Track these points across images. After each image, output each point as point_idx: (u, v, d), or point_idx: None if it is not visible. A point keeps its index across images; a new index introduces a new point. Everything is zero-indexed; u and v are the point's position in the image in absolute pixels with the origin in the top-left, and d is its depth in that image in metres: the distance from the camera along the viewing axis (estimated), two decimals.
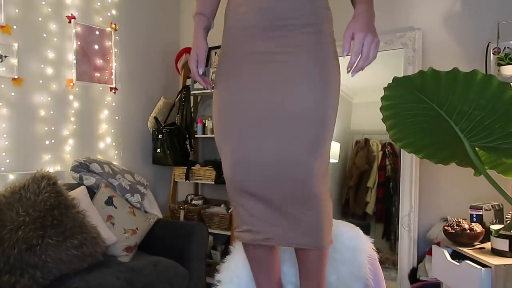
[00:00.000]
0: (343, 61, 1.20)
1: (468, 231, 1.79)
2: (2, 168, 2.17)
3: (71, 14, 2.51)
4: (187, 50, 3.03)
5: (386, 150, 3.39)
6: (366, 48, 1.08)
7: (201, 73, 1.29)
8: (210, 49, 1.38)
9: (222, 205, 2.89)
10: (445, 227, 1.87)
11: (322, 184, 1.18)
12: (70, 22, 2.51)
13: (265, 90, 1.19)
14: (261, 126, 1.18)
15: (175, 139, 2.86)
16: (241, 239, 1.31)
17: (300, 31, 1.18)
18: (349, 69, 1.11)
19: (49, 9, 2.40)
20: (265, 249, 1.32)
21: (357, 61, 1.09)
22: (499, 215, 1.91)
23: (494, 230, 1.69)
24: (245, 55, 1.23)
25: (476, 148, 1.66)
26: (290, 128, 1.16)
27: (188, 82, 3.03)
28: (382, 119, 1.75)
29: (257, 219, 1.24)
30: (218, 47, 1.39)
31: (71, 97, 2.53)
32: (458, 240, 1.80)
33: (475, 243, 1.81)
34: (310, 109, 1.15)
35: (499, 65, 1.97)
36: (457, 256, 1.79)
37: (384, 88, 1.63)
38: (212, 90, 1.34)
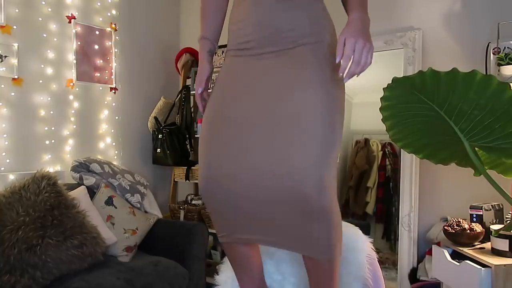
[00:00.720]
0: None
1: (468, 231, 1.78)
2: (2, 168, 2.17)
3: (71, 14, 2.51)
4: (187, 50, 3.03)
5: (386, 150, 3.39)
6: (357, 53, 1.05)
7: (199, 92, 1.33)
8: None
9: None
10: (445, 227, 1.86)
11: (332, 195, 1.10)
12: (70, 22, 2.51)
13: (258, 99, 1.16)
14: (251, 135, 1.14)
15: (175, 139, 2.86)
16: (226, 240, 1.29)
17: (299, 42, 1.17)
18: (341, 74, 1.07)
19: (49, 9, 2.40)
20: (246, 249, 1.30)
21: (348, 66, 1.06)
22: (499, 215, 1.90)
23: (494, 230, 1.69)
24: (242, 67, 1.24)
25: (476, 148, 1.66)
26: (291, 136, 1.09)
27: (188, 82, 3.03)
28: (382, 120, 1.75)
29: (248, 227, 1.21)
30: (221, 46, 1.40)
31: (71, 97, 2.53)
32: (458, 240, 1.80)
33: (475, 243, 1.81)
34: (316, 112, 1.10)
35: (499, 65, 1.96)
36: (457, 256, 1.78)
37: (384, 89, 1.63)
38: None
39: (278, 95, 1.14)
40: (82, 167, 2.35)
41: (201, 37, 1.36)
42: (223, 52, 2.91)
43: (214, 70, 1.39)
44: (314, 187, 1.05)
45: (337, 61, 1.07)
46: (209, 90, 1.36)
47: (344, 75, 1.07)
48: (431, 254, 2.03)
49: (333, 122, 1.13)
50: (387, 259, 2.94)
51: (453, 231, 1.81)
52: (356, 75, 1.08)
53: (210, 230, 2.69)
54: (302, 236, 1.14)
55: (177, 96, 2.97)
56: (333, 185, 1.12)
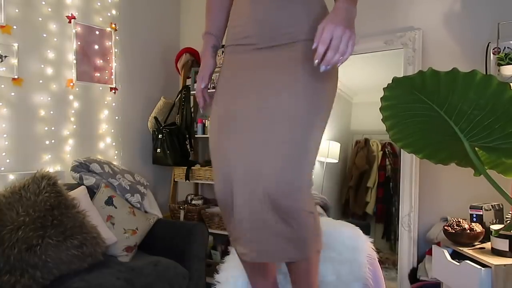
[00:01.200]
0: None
1: (468, 231, 1.78)
2: (2, 168, 2.17)
3: (71, 14, 2.51)
4: (187, 50, 3.03)
5: (386, 150, 3.39)
6: (335, 39, 0.99)
7: (202, 87, 1.31)
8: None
9: None
10: (445, 227, 1.86)
11: (304, 198, 1.10)
12: (70, 22, 2.51)
13: (254, 96, 1.16)
14: (240, 136, 1.14)
15: (175, 139, 2.86)
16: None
17: (298, 39, 1.17)
18: (316, 60, 1.01)
19: (49, 9, 2.40)
20: None
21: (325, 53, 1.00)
22: (499, 215, 1.91)
23: (494, 230, 1.69)
24: (241, 66, 1.24)
25: (476, 148, 1.66)
26: (266, 137, 1.10)
27: (188, 82, 3.03)
28: (382, 120, 1.75)
29: (240, 234, 1.20)
30: (222, 46, 1.41)
31: (71, 97, 2.53)
32: (458, 240, 1.80)
33: (475, 243, 1.81)
34: (293, 114, 1.09)
35: (499, 65, 1.96)
36: (457, 256, 1.78)
37: (384, 89, 1.63)
38: (213, 90, 1.35)
39: (268, 93, 1.14)
40: (82, 167, 2.35)
41: (206, 33, 1.36)
42: (222, 52, 2.91)
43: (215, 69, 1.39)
44: (283, 190, 1.06)
45: (313, 47, 1.01)
46: (209, 90, 1.35)
47: (320, 62, 1.01)
48: (431, 254, 2.03)
49: (311, 124, 1.11)
50: (387, 259, 2.94)
51: (453, 231, 1.81)
52: (337, 65, 1.03)
53: (210, 230, 2.69)
54: (277, 240, 1.12)
55: (177, 96, 2.97)
56: (306, 188, 1.11)
